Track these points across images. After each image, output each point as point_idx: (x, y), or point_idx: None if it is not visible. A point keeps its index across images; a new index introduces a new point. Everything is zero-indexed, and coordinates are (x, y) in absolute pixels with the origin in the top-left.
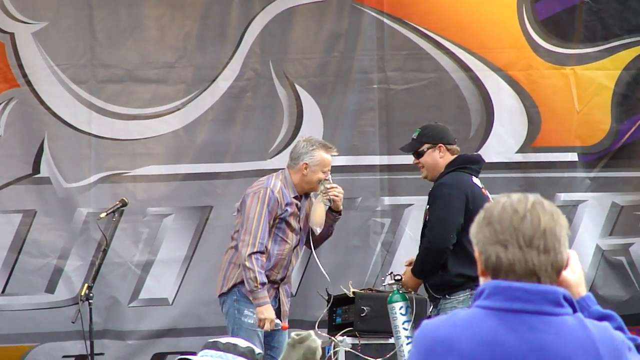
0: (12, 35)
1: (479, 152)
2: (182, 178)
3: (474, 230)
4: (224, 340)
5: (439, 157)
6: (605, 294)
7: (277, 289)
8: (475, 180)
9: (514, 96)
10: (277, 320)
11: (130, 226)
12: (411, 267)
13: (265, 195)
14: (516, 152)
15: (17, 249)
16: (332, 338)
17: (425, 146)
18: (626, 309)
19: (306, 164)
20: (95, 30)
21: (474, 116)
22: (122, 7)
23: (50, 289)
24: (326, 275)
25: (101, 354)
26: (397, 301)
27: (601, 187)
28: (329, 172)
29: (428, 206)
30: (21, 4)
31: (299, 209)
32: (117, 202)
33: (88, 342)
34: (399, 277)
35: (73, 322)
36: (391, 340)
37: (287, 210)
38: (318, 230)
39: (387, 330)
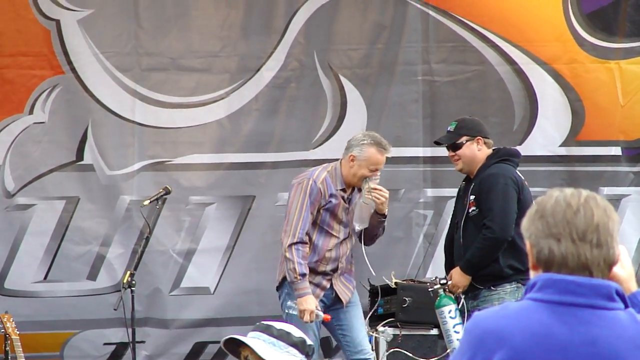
0: (57, 22)
1: (522, 145)
2: (225, 167)
3: (525, 223)
4: (278, 326)
5: (477, 150)
6: None
7: (331, 280)
8: (518, 172)
9: (558, 90)
10: (318, 312)
11: (173, 214)
12: (460, 264)
13: (307, 186)
14: (560, 146)
15: (59, 235)
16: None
17: (464, 138)
18: None
19: (353, 156)
20: (140, 18)
21: (518, 109)
22: None
23: (92, 276)
24: (372, 270)
25: (142, 342)
26: (445, 305)
27: None
28: (378, 172)
29: (473, 197)
30: None
31: (347, 201)
32: (161, 190)
33: (129, 330)
34: (445, 281)
35: (115, 310)
36: (432, 332)
37: (331, 201)
38: (357, 227)
39: (429, 321)
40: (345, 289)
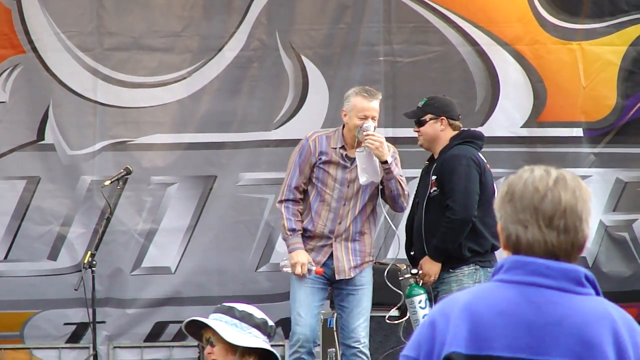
0: (18, 1)
1: (483, 126)
2: (187, 147)
3: (497, 204)
4: (240, 307)
5: (439, 130)
6: (608, 270)
7: (331, 245)
8: (480, 155)
9: (520, 71)
10: (310, 266)
11: (134, 194)
12: (429, 251)
13: (300, 145)
14: (521, 127)
15: (20, 215)
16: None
17: (428, 116)
18: (628, 285)
19: (344, 110)
20: None
21: (480, 90)
22: None
23: (53, 256)
24: (396, 231)
25: (103, 322)
26: (417, 294)
27: (605, 163)
28: (370, 120)
29: (434, 177)
30: None
31: (344, 158)
32: (122, 170)
33: (90, 310)
34: (416, 271)
35: (76, 290)
36: (391, 313)
37: (321, 158)
38: (362, 181)
39: (388, 302)
40: (344, 258)
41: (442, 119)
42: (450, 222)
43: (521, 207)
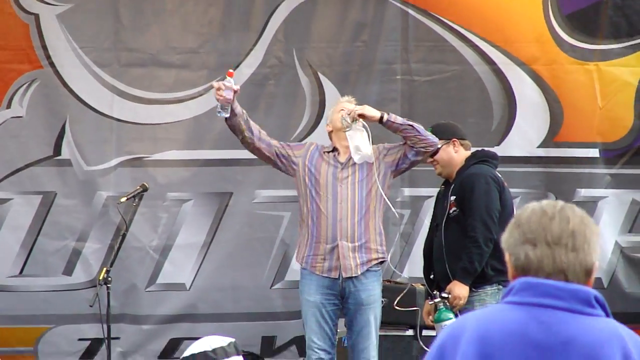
0: (36, 16)
1: (500, 146)
2: (203, 164)
3: (505, 236)
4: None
5: (453, 152)
6: (631, 290)
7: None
8: (497, 173)
9: (537, 90)
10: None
11: (150, 211)
12: (458, 274)
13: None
14: (538, 147)
15: (36, 230)
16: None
17: (440, 143)
18: None
19: (327, 126)
20: (120, 13)
21: (497, 109)
22: None
23: (68, 271)
24: (395, 212)
25: (117, 338)
26: (445, 319)
27: (621, 184)
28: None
29: (453, 198)
30: None
31: (335, 160)
32: (138, 187)
33: (105, 326)
34: (446, 295)
35: (91, 306)
36: (408, 333)
37: (312, 161)
38: (355, 158)
39: (405, 322)
40: (350, 256)
41: (453, 141)
42: (474, 241)
43: (529, 229)
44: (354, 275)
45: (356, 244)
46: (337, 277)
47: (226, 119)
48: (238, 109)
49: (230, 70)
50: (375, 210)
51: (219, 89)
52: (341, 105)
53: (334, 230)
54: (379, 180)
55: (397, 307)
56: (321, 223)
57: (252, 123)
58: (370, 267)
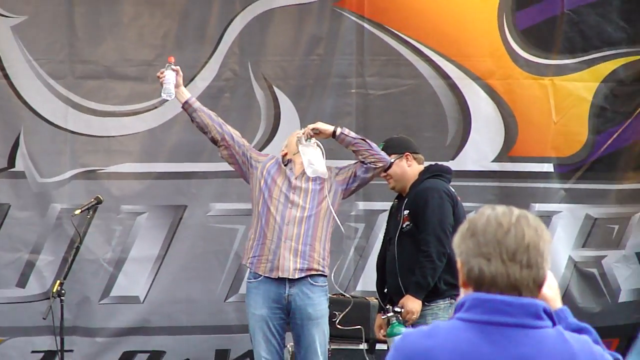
0: None
1: (455, 160)
2: (157, 176)
3: (457, 240)
4: None
5: (406, 166)
6: (583, 305)
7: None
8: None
9: (492, 105)
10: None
11: (104, 223)
12: (411, 288)
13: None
14: (492, 161)
15: None
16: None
17: (392, 157)
18: (596, 321)
19: (282, 151)
20: (75, 26)
21: (451, 124)
22: (102, 3)
23: (22, 283)
24: (342, 228)
25: (70, 350)
26: (399, 333)
27: (575, 199)
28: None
29: (407, 212)
30: None
31: (291, 170)
32: (92, 200)
33: (58, 338)
34: (398, 309)
35: (44, 319)
36: (361, 347)
37: (270, 171)
38: (308, 171)
39: (358, 336)
40: (291, 259)
41: (406, 155)
42: (427, 255)
43: (484, 241)
44: (290, 277)
45: (299, 248)
46: (277, 277)
47: (192, 119)
48: (197, 104)
49: (170, 57)
50: (323, 225)
51: (160, 72)
52: (296, 134)
53: (280, 232)
54: (329, 197)
55: (339, 326)
56: (269, 225)
57: (221, 121)
58: (315, 282)
